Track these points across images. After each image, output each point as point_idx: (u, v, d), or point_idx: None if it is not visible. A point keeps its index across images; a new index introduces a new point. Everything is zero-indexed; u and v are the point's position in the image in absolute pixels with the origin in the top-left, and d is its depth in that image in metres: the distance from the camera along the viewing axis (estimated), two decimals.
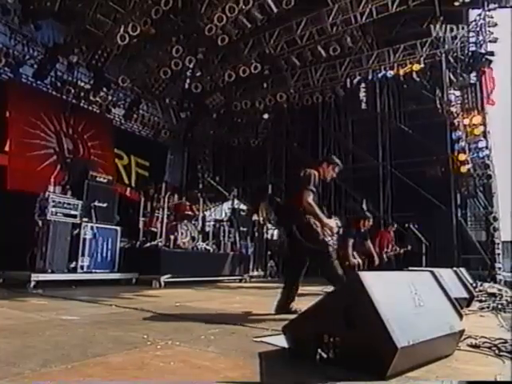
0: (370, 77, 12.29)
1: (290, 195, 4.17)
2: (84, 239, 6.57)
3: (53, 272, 6.05)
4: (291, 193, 4.12)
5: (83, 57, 10.36)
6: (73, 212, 6.50)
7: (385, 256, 9.35)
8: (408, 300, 2.18)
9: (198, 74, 11.71)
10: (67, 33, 10.12)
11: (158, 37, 10.20)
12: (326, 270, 3.72)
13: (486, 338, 2.69)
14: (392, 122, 13.72)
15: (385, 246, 9.72)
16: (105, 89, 11.73)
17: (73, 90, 11.18)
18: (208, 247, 9.01)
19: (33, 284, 5.62)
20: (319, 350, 2.02)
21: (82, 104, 11.67)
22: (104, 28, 9.55)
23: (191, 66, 10.68)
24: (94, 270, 6.67)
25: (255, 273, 10.89)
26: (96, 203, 6.87)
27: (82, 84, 11.50)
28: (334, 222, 3.76)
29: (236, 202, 12.22)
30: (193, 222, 8.78)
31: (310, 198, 3.70)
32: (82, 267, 6.48)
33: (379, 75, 12.13)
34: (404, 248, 9.79)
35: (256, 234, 11.79)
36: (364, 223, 6.93)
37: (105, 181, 7.30)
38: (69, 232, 6.42)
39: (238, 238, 10.25)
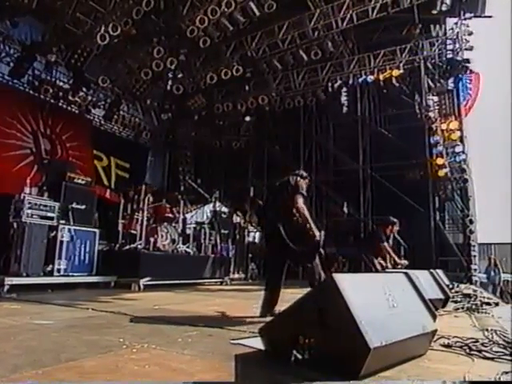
0: (350, 81, 12.47)
1: (275, 198, 4.17)
2: (61, 242, 6.42)
3: (28, 275, 5.89)
4: (277, 196, 4.13)
5: (62, 56, 10.16)
6: (49, 214, 6.35)
7: (387, 263, 9.21)
8: (382, 301, 2.22)
9: (180, 75, 11.64)
10: (45, 31, 9.92)
11: (139, 37, 10.09)
12: (310, 271, 3.76)
13: (458, 337, 2.77)
14: (372, 126, 13.94)
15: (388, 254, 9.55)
16: (84, 89, 11.54)
17: (51, 90, 10.91)
18: (188, 250, 8.95)
19: (6, 288, 5.46)
20: (294, 352, 2.04)
21: (60, 104, 11.43)
22: (84, 27, 9.38)
23: (173, 67, 10.60)
24: (71, 274, 6.53)
25: (236, 275, 10.88)
26: (74, 205, 6.73)
27: (61, 83, 11.27)
28: (319, 234, 3.78)
29: (217, 204, 12.18)
30: (173, 225, 8.70)
31: (302, 202, 3.82)
32: (58, 270, 6.33)
33: (360, 80, 12.31)
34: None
35: (237, 237, 11.78)
36: (392, 228, 6.95)
37: (83, 182, 7.16)
38: (45, 234, 6.27)
39: (218, 241, 10.21)
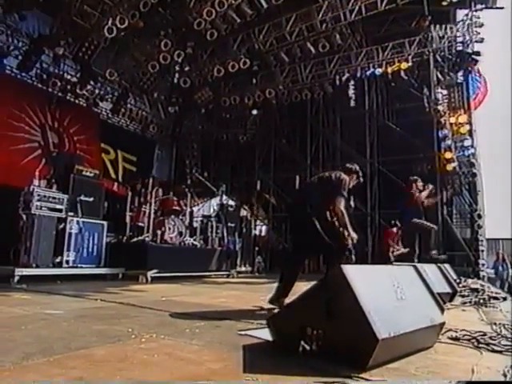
0: (358, 74, 12.34)
1: (313, 192, 3.97)
2: (70, 234, 6.51)
3: (37, 267, 5.98)
4: (315, 191, 3.95)
5: (69, 49, 10.16)
6: (58, 206, 6.42)
7: (391, 255, 9.27)
8: (390, 293, 2.21)
9: (187, 68, 11.61)
10: (53, 24, 9.93)
11: (146, 30, 10.08)
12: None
13: (466, 331, 2.76)
14: (380, 119, 13.83)
15: (391, 245, 9.62)
16: (92, 82, 11.55)
17: (59, 83, 10.95)
18: (195, 243, 8.99)
19: (16, 279, 5.54)
20: (302, 343, 2.05)
21: (68, 97, 11.46)
22: (91, 20, 9.38)
23: (180, 60, 10.57)
24: (79, 265, 6.61)
25: (243, 268, 10.93)
26: (82, 197, 6.80)
27: (69, 77, 11.29)
28: (356, 236, 3.73)
29: (224, 197, 12.20)
30: (180, 218, 8.75)
31: (343, 205, 3.67)
32: (67, 262, 6.42)
33: (368, 73, 12.18)
34: (408, 248, 9.65)
35: (244, 230, 11.81)
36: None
37: (91, 175, 7.22)
38: (54, 226, 6.34)
39: (225, 234, 10.25)
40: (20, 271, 5.63)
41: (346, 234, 3.64)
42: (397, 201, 8.51)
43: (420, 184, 7.15)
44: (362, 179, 4.24)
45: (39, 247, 6.06)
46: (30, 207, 6.05)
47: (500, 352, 2.33)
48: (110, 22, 8.74)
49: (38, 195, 6.14)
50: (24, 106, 10.56)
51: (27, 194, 6.15)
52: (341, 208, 3.65)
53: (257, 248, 12.88)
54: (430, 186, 7.19)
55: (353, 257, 3.73)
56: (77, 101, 11.80)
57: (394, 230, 10.03)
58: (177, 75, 11.82)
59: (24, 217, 6.11)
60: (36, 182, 6.42)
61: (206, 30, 9.48)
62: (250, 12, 9.38)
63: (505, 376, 1.82)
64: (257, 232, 15.02)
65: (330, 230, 3.67)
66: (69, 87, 11.20)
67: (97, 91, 12.06)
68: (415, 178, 7.21)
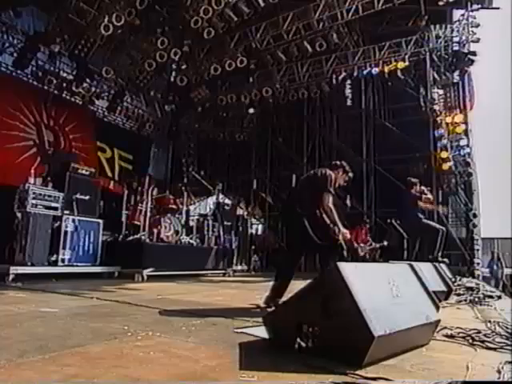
0: (355, 73, 12.36)
1: (302, 191, 4.01)
2: (65, 232, 6.48)
3: (32, 265, 5.95)
4: (304, 190, 3.98)
5: (65, 46, 10.11)
6: (54, 204, 6.39)
7: (360, 251, 9.59)
8: (385, 291, 2.22)
9: (184, 66, 11.58)
10: (48, 21, 9.86)
11: (142, 28, 10.05)
12: (328, 265, 3.69)
13: (461, 328, 2.77)
14: (376, 118, 13.86)
15: (360, 242, 9.96)
16: (88, 80, 11.48)
17: (54, 81, 10.90)
18: (191, 241, 8.98)
19: (11, 277, 5.52)
20: (298, 340, 2.05)
21: (63, 95, 11.40)
22: (87, 17, 9.33)
23: (176, 58, 10.53)
24: (75, 264, 6.59)
25: (239, 267, 10.93)
26: (78, 196, 6.78)
27: (64, 74, 11.24)
28: (348, 232, 3.74)
29: (221, 196, 12.20)
30: (176, 216, 8.74)
31: (331, 201, 3.67)
32: (62, 260, 6.39)
33: (364, 72, 12.20)
34: (380, 243, 10.01)
35: (240, 229, 11.81)
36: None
37: (87, 173, 7.19)
38: (49, 224, 6.31)
39: (221, 232, 10.24)
40: (15, 269, 5.61)
41: (337, 230, 3.64)
42: (395, 199, 8.59)
43: (418, 188, 7.12)
44: (351, 174, 4.21)
45: (34, 245, 6.03)
46: (25, 205, 6.02)
47: (494, 349, 2.35)
48: (106, 20, 8.70)
49: (34, 193, 6.11)
50: (19, 103, 10.49)
51: (22, 192, 6.12)
52: (329, 204, 3.66)
53: (253, 247, 12.90)
54: (429, 195, 7.14)
55: (344, 253, 3.74)
56: (73, 99, 11.74)
57: (363, 227, 10.30)
58: (173, 73, 11.79)
59: (19, 215, 6.08)
60: (31, 180, 6.39)
61: (202, 28, 9.45)
62: (246, 10, 9.36)
63: (499, 372, 1.83)
64: (253, 231, 15.04)
65: (320, 227, 3.68)
66: (65, 85, 11.14)
67: (93, 89, 12.00)
68: (415, 180, 7.14)
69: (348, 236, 3.72)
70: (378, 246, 10.06)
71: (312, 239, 3.67)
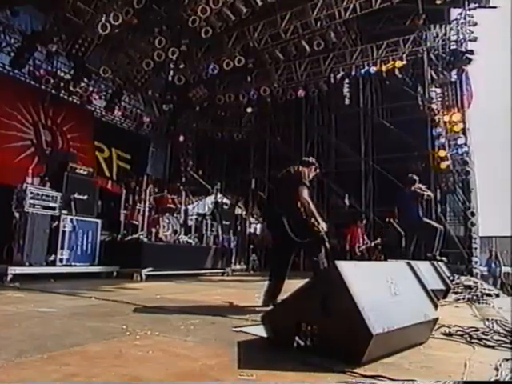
0: (353, 72, 12.37)
1: (278, 189, 4.08)
2: (63, 232, 6.46)
3: (30, 265, 5.94)
4: (280, 187, 4.05)
5: (63, 46, 10.09)
6: (52, 204, 6.38)
7: (356, 250, 9.64)
8: (384, 289, 2.23)
9: (182, 66, 11.57)
10: (46, 20, 9.84)
11: (140, 27, 10.02)
12: (315, 264, 3.70)
13: (459, 326, 2.78)
14: (374, 117, 13.89)
15: (356, 241, 10.01)
16: (85, 79, 11.46)
17: (52, 80, 10.85)
18: (190, 240, 8.98)
19: (10, 277, 5.50)
20: (297, 338, 2.05)
21: (61, 95, 11.36)
22: (84, 16, 9.32)
23: (174, 57, 10.51)
24: (73, 264, 6.57)
25: (237, 266, 10.94)
26: (76, 195, 6.76)
27: (62, 74, 11.20)
28: (324, 226, 3.74)
29: (219, 195, 12.19)
30: (175, 215, 8.74)
31: (307, 194, 3.71)
32: (61, 260, 6.38)
33: (362, 71, 12.22)
34: (375, 241, 10.06)
35: (238, 228, 11.81)
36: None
37: (85, 173, 7.17)
38: (47, 224, 6.30)
39: (220, 232, 10.24)
40: (13, 270, 5.59)
41: (316, 222, 3.65)
42: (393, 198, 8.63)
43: (418, 186, 7.12)
44: (318, 170, 4.31)
45: (32, 245, 6.01)
46: (23, 205, 6.00)
47: (492, 347, 2.36)
48: (103, 19, 8.68)
49: (31, 193, 6.09)
50: (16, 103, 10.45)
51: (20, 192, 6.10)
52: (305, 197, 3.69)
53: (251, 246, 12.89)
54: (429, 192, 7.17)
55: (327, 244, 3.76)
56: (70, 98, 11.70)
57: (359, 226, 10.36)
58: (171, 73, 11.77)
59: (17, 215, 6.06)
60: (29, 180, 6.38)
61: (200, 27, 9.44)
62: (244, 10, 9.34)
63: (497, 370, 1.84)
64: (251, 230, 15.03)
65: (300, 222, 3.69)
66: (62, 84, 11.10)
67: (90, 88, 11.96)
68: (415, 178, 7.13)
69: (325, 228, 3.73)
70: (373, 244, 10.11)
71: (291, 237, 3.69)
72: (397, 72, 11.67)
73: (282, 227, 3.72)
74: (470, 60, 11.46)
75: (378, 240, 10.13)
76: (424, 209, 7.50)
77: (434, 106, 11.77)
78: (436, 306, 2.67)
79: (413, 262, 3.12)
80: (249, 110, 13.63)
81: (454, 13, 11.67)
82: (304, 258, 10.46)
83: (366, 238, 10.64)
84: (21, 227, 6.00)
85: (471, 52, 11.36)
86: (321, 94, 13.39)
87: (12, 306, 3.46)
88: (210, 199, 13.37)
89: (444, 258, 6.80)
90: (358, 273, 2.17)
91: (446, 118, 11.50)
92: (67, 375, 1.66)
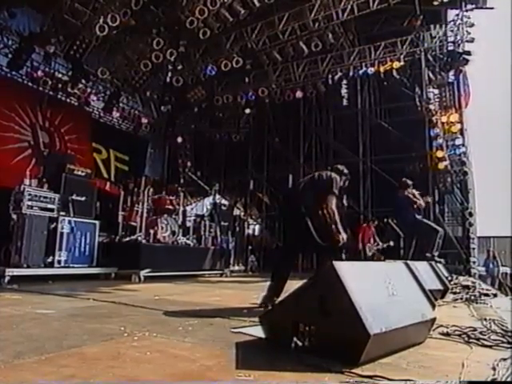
0: (351, 73, 12.40)
1: (305, 191, 3.99)
2: (61, 233, 6.44)
3: (28, 267, 5.92)
4: (308, 189, 3.97)
5: (61, 47, 10.09)
6: (49, 206, 6.36)
7: (368, 250, 9.60)
8: (382, 289, 2.23)
9: (180, 67, 11.58)
10: (43, 22, 9.84)
11: (138, 28, 10.05)
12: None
13: (456, 326, 2.78)
14: (372, 118, 13.91)
15: (367, 241, 9.99)
16: (83, 81, 11.47)
17: (50, 82, 10.86)
18: (188, 242, 8.97)
19: (7, 279, 5.48)
20: (295, 339, 2.05)
21: (59, 96, 11.38)
22: (82, 18, 9.32)
23: (172, 59, 10.54)
24: (71, 265, 6.55)
25: (236, 267, 10.93)
26: (74, 197, 6.74)
27: (60, 75, 11.21)
28: (346, 236, 3.73)
29: (217, 196, 12.19)
30: (173, 217, 8.72)
31: (334, 204, 3.68)
32: (59, 262, 6.36)
33: (360, 72, 12.25)
34: (387, 243, 10.02)
35: (237, 229, 11.81)
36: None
37: (83, 174, 7.16)
38: (45, 226, 6.28)
39: (218, 233, 10.23)
40: (11, 271, 5.57)
41: (337, 231, 3.65)
42: (391, 198, 8.66)
43: (411, 190, 7.08)
44: (348, 182, 4.27)
45: (30, 247, 6.00)
46: (20, 207, 5.98)
47: (490, 347, 2.36)
48: (101, 20, 8.69)
49: (29, 195, 6.08)
50: (14, 105, 10.45)
51: (18, 194, 6.08)
52: (333, 207, 3.67)
53: (250, 247, 12.90)
54: (421, 201, 7.04)
55: (343, 255, 3.75)
56: (68, 100, 11.72)
57: (371, 226, 10.36)
58: (169, 74, 11.78)
59: (15, 217, 6.04)
60: (27, 182, 6.36)
61: (198, 28, 9.46)
62: (242, 11, 9.37)
63: (494, 370, 1.84)
64: (250, 231, 15.04)
65: (322, 228, 3.68)
66: (60, 86, 11.12)
67: (88, 90, 11.97)
68: (408, 183, 7.12)
69: (345, 239, 3.72)
70: (385, 245, 10.06)
71: (314, 240, 3.67)
72: (394, 73, 11.72)
73: (303, 228, 3.69)
74: (467, 61, 11.51)
75: (391, 243, 10.05)
76: (421, 210, 7.48)
77: (431, 107, 11.80)
78: (434, 306, 2.68)
79: (411, 263, 3.12)
80: (247, 111, 13.64)
81: (451, 14, 11.72)
82: (302, 259, 10.49)
83: (377, 238, 10.60)
84: (18, 229, 5.98)
85: (468, 53, 11.40)
86: (319, 95, 13.43)
87: (10, 308, 3.45)
88: (208, 200, 13.38)
89: (442, 260, 6.81)
90: (356, 273, 2.17)
91: (444, 119, 11.54)
92: (65, 377, 1.66)
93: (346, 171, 4.19)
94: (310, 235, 3.68)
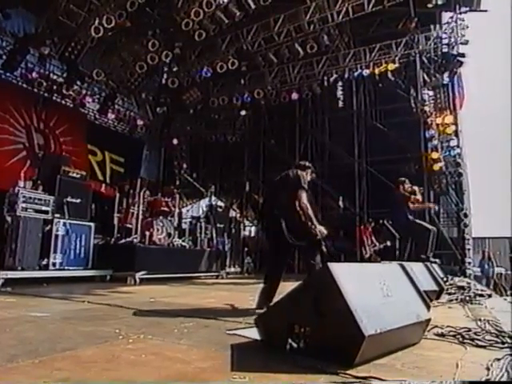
0: (346, 75, 12.44)
1: (276, 193, 4.06)
2: (56, 235, 6.41)
3: (23, 269, 5.88)
4: (278, 191, 4.02)
5: (56, 49, 10.04)
6: (44, 208, 6.33)
7: (365, 252, 9.63)
8: (376, 290, 2.23)
9: (175, 69, 11.57)
10: (38, 23, 9.80)
11: (133, 30, 10.03)
12: (311, 267, 3.69)
13: (451, 327, 2.80)
14: (368, 120, 13.96)
15: (365, 242, 10.02)
16: (78, 82, 11.41)
17: (45, 83, 10.79)
18: (184, 244, 8.95)
19: (1, 282, 5.45)
20: (290, 340, 2.06)
21: (54, 98, 11.31)
22: (77, 19, 9.28)
23: (168, 60, 10.52)
24: (66, 267, 6.52)
25: (232, 269, 10.92)
26: (69, 199, 6.71)
27: (55, 77, 11.15)
28: (321, 231, 3.73)
29: (213, 198, 12.18)
30: (169, 219, 8.70)
31: (305, 198, 3.72)
32: (54, 264, 6.33)
33: (355, 74, 12.29)
34: (384, 243, 10.07)
35: (233, 231, 11.80)
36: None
37: (78, 176, 7.14)
38: (40, 228, 6.25)
39: (214, 235, 10.22)
40: (5, 274, 5.54)
41: (313, 226, 3.66)
42: (386, 200, 8.70)
43: (407, 186, 7.14)
44: (314, 174, 4.36)
45: (25, 249, 5.96)
46: (15, 209, 5.95)
47: (484, 347, 2.37)
48: (96, 22, 8.66)
49: (24, 197, 6.04)
50: (8, 106, 10.37)
51: (12, 196, 6.05)
52: (305, 201, 3.71)
53: (246, 249, 12.88)
54: (419, 196, 7.10)
55: (324, 248, 3.77)
56: (63, 101, 11.65)
57: (368, 227, 10.40)
58: (165, 75, 11.77)
59: (9, 219, 6.00)
60: (21, 184, 6.32)
61: (193, 30, 9.45)
62: (238, 13, 9.37)
63: (488, 370, 1.85)
64: (246, 233, 15.03)
65: (298, 226, 3.69)
66: (55, 87, 11.05)
67: (84, 91, 11.92)
68: (403, 179, 7.17)
69: (325, 232, 3.74)
70: (381, 246, 10.12)
71: (291, 239, 3.69)
72: (389, 75, 11.76)
73: (279, 229, 3.71)
74: (461, 63, 11.58)
75: (388, 243, 10.10)
76: (416, 211, 7.50)
77: (426, 109, 11.87)
78: (428, 307, 2.69)
79: (406, 264, 3.14)
80: (242, 112, 13.64)
81: (446, 16, 11.80)
82: (299, 260, 10.48)
83: (374, 240, 10.66)
84: (13, 231, 5.95)
85: (463, 55, 11.47)
86: (314, 97, 13.45)
87: (4, 311, 3.42)
88: (204, 202, 13.37)
89: (437, 260, 6.83)
90: (351, 274, 2.18)
91: (439, 120, 11.60)
92: (59, 380, 1.65)
93: (308, 164, 4.28)
94: (284, 235, 3.70)
